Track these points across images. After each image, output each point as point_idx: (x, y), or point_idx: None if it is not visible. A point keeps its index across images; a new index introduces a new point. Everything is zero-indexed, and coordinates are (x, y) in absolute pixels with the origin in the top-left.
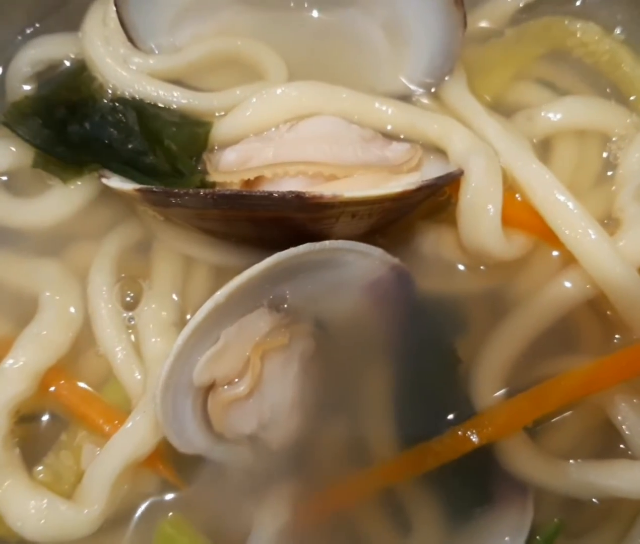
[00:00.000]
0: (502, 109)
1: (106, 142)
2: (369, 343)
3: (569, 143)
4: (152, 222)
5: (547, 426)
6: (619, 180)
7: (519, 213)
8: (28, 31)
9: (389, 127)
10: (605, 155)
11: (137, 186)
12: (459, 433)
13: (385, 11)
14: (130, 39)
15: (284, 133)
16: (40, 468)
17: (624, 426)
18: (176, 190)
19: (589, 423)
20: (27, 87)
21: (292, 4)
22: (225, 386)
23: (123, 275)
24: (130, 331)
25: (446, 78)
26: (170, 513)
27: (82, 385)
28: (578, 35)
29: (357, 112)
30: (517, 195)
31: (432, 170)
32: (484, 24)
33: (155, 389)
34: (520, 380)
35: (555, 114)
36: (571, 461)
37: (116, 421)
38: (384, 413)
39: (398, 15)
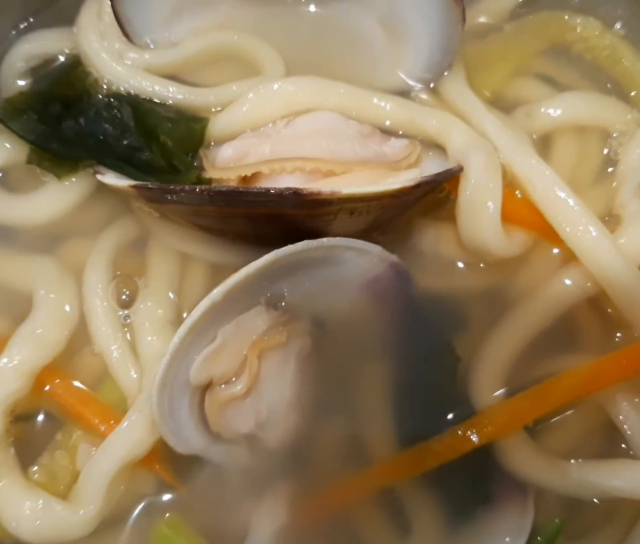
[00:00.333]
0: (502, 105)
1: (101, 137)
2: (367, 342)
3: (569, 140)
4: (147, 218)
5: (547, 425)
6: (619, 177)
7: (519, 210)
8: (22, 26)
9: (387, 123)
10: (605, 151)
11: (133, 182)
12: (459, 432)
13: (383, 6)
14: (125, 34)
15: (281, 129)
16: (35, 468)
17: (625, 426)
18: (172, 187)
19: (590, 422)
20: (21, 83)
21: None
22: (223, 385)
23: (119, 272)
24: (126, 329)
25: (445, 73)
26: (167, 514)
27: (77, 384)
28: (578, 30)
29: (355, 107)
30: (516, 192)
31: (431, 167)
32: (483, 19)
33: (152, 388)
34: (520, 379)
35: (555, 110)
36: (572, 460)
37: (112, 421)
38: (382, 412)
39: (396, 9)
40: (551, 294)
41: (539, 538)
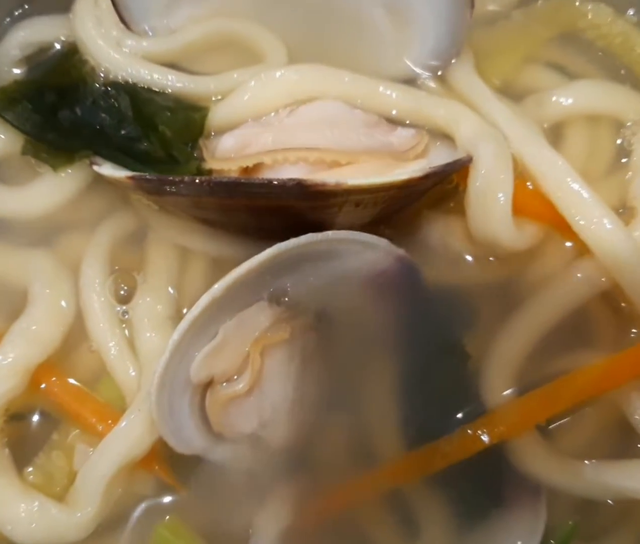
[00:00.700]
0: (511, 94)
1: (98, 127)
2: (374, 338)
3: (581, 129)
4: (146, 211)
5: (560, 424)
6: (633, 168)
7: (530, 202)
8: (16, 13)
9: (393, 112)
10: (619, 141)
11: (130, 173)
12: (469, 431)
13: None
14: (123, 20)
15: (283, 118)
16: (30, 469)
17: None
18: (171, 178)
19: (604, 421)
20: (16, 71)
21: None
22: (224, 384)
23: (116, 267)
24: (124, 325)
25: (453, 61)
26: (167, 516)
27: (74, 382)
28: (589, 17)
29: (360, 96)
30: (527, 183)
31: (439, 157)
32: (492, 6)
33: (151, 386)
34: (532, 376)
35: (566, 99)
36: (586, 461)
37: (110, 420)
38: (389, 411)
39: None
40: (563, 289)
41: (552, 541)
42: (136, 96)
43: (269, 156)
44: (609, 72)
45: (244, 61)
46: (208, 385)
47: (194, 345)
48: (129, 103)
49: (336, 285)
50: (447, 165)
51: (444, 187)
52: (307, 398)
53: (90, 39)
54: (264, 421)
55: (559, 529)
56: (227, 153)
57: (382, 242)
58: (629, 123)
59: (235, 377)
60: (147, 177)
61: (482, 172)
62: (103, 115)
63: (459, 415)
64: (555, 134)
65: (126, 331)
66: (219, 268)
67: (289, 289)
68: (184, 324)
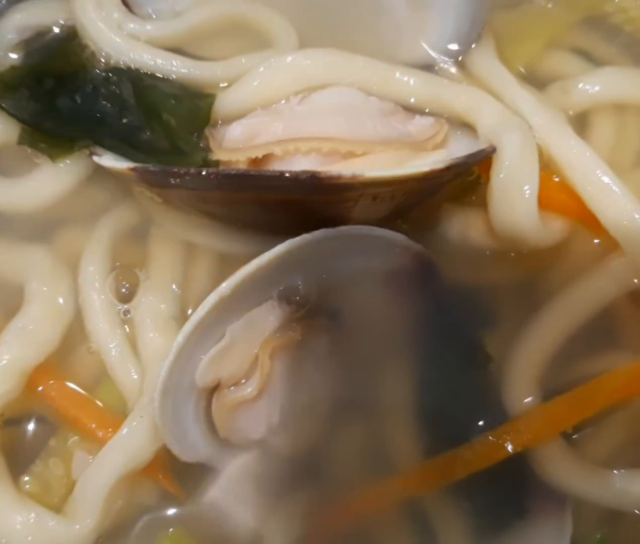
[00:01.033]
0: (534, 81)
1: (98, 116)
2: (389, 339)
3: (608, 118)
4: (149, 204)
5: (587, 431)
6: None
7: (556, 195)
8: None
9: (411, 100)
10: None
11: (133, 165)
12: (491, 439)
13: None
14: (125, 3)
15: (294, 106)
16: (27, 478)
17: None
18: (176, 169)
19: (633, 428)
20: (13, 56)
21: None
22: (231, 388)
23: (118, 263)
24: (125, 325)
25: (473, 46)
26: (171, 529)
27: (72, 385)
28: (616, 0)
29: (375, 82)
30: (553, 176)
31: (460, 147)
32: None
33: (154, 391)
34: (557, 380)
35: (592, 86)
36: (614, 470)
37: (110, 427)
38: (406, 417)
39: None
40: (590, 287)
41: None
42: (139, 83)
43: (279, 146)
44: (636, 58)
45: (252, 46)
46: (214, 389)
47: (199, 347)
48: (131, 90)
49: (350, 283)
50: (470, 156)
51: (464, 179)
52: (318, 402)
53: (91, 22)
54: (273, 427)
55: (585, 542)
56: (235, 143)
57: (399, 237)
58: None
59: (243, 381)
60: (151, 168)
61: (507, 163)
62: (104, 102)
63: (481, 422)
64: (580, 123)
65: (128, 332)
66: (226, 265)
67: (300, 287)
68: (189, 325)
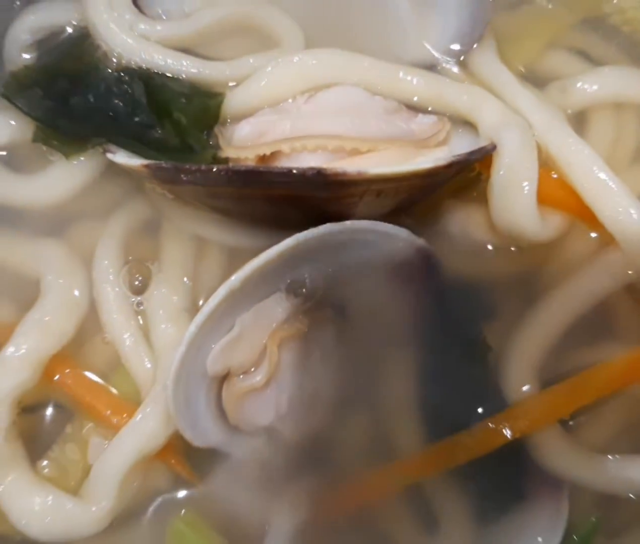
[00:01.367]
0: (534, 80)
1: (111, 114)
2: (393, 330)
3: (606, 117)
4: (161, 200)
5: (584, 419)
6: None
7: (555, 191)
8: None
9: (414, 99)
10: None
11: (146, 162)
12: (490, 425)
13: None
14: (136, 4)
15: (301, 104)
16: (44, 462)
17: None
18: (187, 166)
19: (628, 415)
20: (26, 56)
21: None
22: (241, 376)
23: (130, 257)
24: (139, 317)
25: (475, 45)
26: (184, 510)
27: (88, 374)
28: (615, 1)
29: (380, 82)
30: (552, 172)
31: (461, 145)
32: None
33: (167, 379)
34: (554, 370)
35: (591, 85)
36: (609, 456)
37: (125, 413)
38: (408, 404)
39: None
40: (587, 280)
41: (574, 536)
42: (150, 82)
43: (286, 144)
44: (634, 58)
45: (260, 46)
46: (224, 377)
47: (210, 338)
48: (142, 89)
49: (355, 276)
50: (471, 153)
51: (466, 176)
52: (325, 391)
53: (103, 22)
54: (281, 415)
55: (581, 524)
56: (243, 141)
57: (402, 232)
58: None
59: (252, 370)
60: (163, 165)
61: (507, 160)
62: (116, 101)
63: (480, 409)
64: (579, 121)
65: (141, 323)
66: (236, 258)
67: (307, 280)
68: (200, 316)
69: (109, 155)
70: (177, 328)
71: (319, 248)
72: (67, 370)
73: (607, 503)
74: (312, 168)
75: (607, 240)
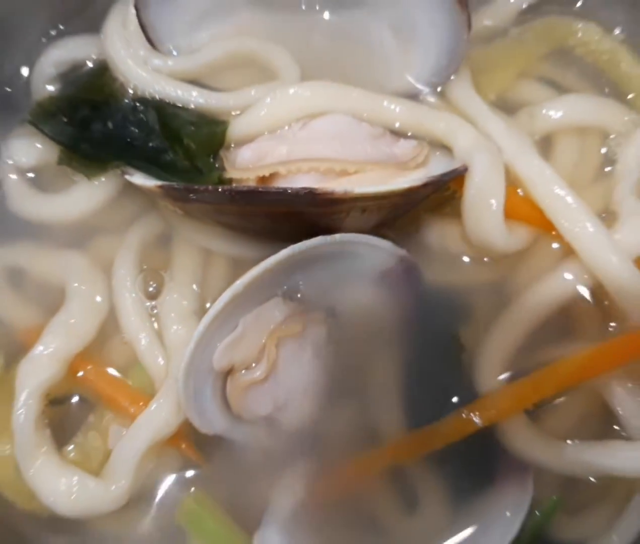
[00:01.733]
0: (506, 107)
1: (128, 140)
2: (378, 331)
3: (570, 140)
4: (172, 216)
5: (547, 409)
6: (616, 176)
7: (521, 207)
8: (52, 33)
9: (397, 125)
10: (604, 151)
11: (160, 182)
12: (463, 415)
13: (393, 13)
14: (149, 41)
15: (296, 131)
16: (70, 447)
17: (618, 409)
18: (196, 187)
19: (586, 406)
20: (51, 87)
21: (304, 7)
22: (243, 371)
23: (145, 266)
24: (153, 319)
25: (452, 77)
26: (193, 489)
27: (108, 369)
28: (579, 35)
29: (366, 110)
30: (518, 190)
31: (438, 166)
32: (488, 22)
33: (178, 373)
34: (521, 365)
35: (556, 112)
36: (569, 441)
37: (141, 404)
38: (392, 396)
39: (405, 16)
40: (551, 286)
41: (537, 512)
42: (163, 111)
43: (283, 166)
44: (596, 86)
45: (260, 77)
46: (229, 372)
47: (216, 336)
48: (156, 118)
49: (345, 282)
50: (445, 174)
51: (442, 194)
52: (318, 384)
53: (120, 58)
54: (279, 405)
55: (544, 502)
56: (245, 163)
57: (385, 244)
58: (613, 135)
59: (253, 365)
60: (175, 186)
61: (477, 180)
62: (132, 128)
63: (455, 400)
64: (546, 144)
65: (155, 324)
66: (239, 267)
67: (301, 287)
68: (207, 317)
69: (127, 177)
70: (187, 329)
71: (312, 258)
72: (90, 367)
73: (568, 484)
74: (304, 188)
75: (567, 250)
